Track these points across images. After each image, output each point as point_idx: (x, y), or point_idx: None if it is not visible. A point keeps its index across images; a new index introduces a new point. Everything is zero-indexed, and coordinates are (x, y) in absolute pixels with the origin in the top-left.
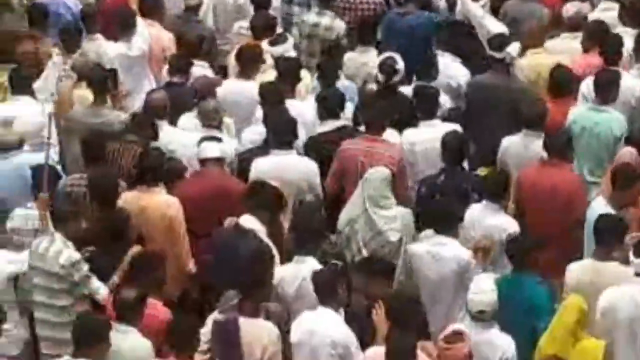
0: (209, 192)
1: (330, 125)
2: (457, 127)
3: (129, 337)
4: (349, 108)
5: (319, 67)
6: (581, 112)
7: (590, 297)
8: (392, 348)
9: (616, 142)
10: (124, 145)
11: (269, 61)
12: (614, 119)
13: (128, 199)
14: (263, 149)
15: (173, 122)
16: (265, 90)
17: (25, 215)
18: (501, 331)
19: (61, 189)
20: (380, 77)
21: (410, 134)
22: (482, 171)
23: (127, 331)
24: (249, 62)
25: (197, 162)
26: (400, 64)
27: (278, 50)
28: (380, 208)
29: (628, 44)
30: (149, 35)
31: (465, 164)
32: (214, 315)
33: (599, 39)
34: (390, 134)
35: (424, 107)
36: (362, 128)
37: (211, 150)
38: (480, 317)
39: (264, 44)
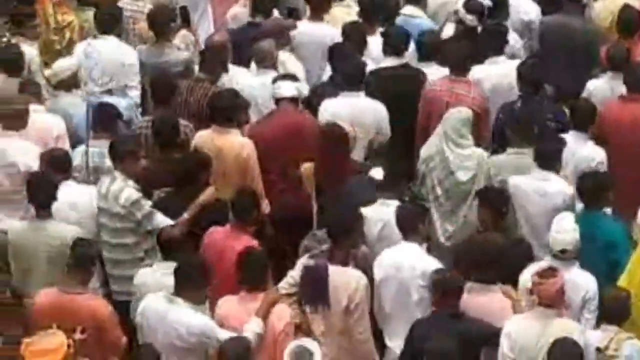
0: (285, 130)
1: (391, 62)
2: None
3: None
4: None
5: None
6: None
7: None
8: None
9: None
10: (194, 83)
11: None
12: None
13: (203, 139)
14: (331, 87)
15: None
16: (350, 30)
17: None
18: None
19: (132, 130)
20: (470, 18)
21: (477, 71)
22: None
23: None
24: (319, 5)
25: (260, 101)
26: (487, 2)
27: None
28: (456, 146)
29: None
30: None
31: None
32: (304, 260)
33: None
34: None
35: (493, 44)
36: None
37: (287, 89)
38: (562, 257)
39: None
